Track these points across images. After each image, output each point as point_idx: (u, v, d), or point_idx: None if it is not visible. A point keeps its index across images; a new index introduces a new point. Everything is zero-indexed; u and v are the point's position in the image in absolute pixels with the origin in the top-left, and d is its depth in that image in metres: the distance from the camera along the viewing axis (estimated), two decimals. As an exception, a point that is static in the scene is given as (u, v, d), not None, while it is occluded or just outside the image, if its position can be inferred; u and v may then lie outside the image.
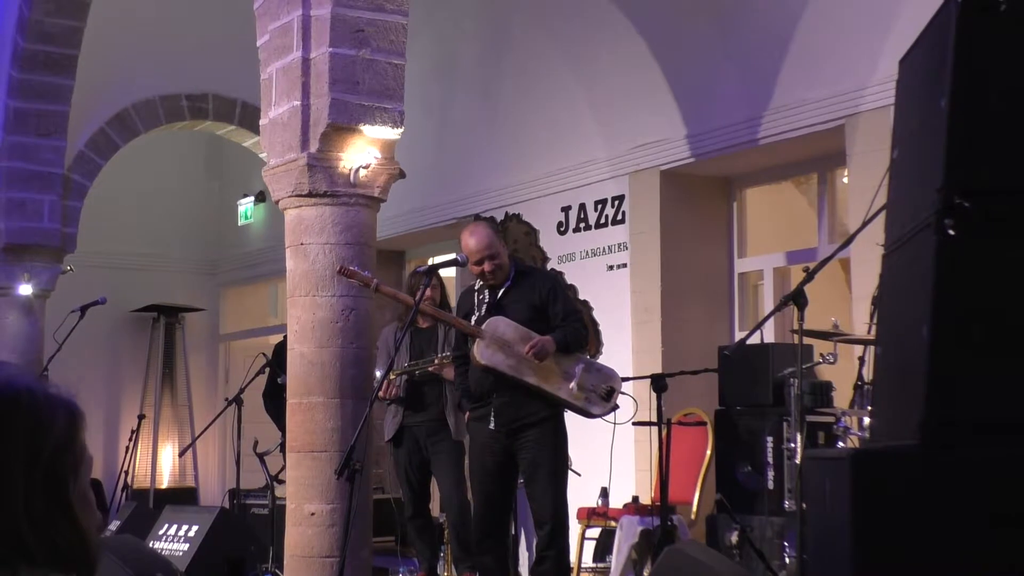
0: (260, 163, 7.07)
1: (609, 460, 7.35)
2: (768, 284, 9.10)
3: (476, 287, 6.66)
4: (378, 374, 7.30)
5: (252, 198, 14.59)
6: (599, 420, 6.70)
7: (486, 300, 6.54)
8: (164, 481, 14.57)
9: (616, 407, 6.59)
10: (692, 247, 9.18)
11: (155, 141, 13.46)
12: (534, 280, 6.68)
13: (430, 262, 10.78)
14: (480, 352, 6.28)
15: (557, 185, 9.99)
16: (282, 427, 8.49)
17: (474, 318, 6.48)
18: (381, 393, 7.81)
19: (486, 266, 6.47)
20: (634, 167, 9.31)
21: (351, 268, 6.27)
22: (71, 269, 11.31)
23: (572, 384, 6.39)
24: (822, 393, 6.95)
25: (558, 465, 6.47)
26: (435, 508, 9.28)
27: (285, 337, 8.59)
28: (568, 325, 6.48)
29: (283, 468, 7.54)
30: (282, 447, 7.78)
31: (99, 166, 12.38)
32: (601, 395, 6.49)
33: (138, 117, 12.65)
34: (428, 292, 7.40)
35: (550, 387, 6.35)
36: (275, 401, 8.67)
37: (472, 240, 6.52)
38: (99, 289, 9.74)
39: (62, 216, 11.42)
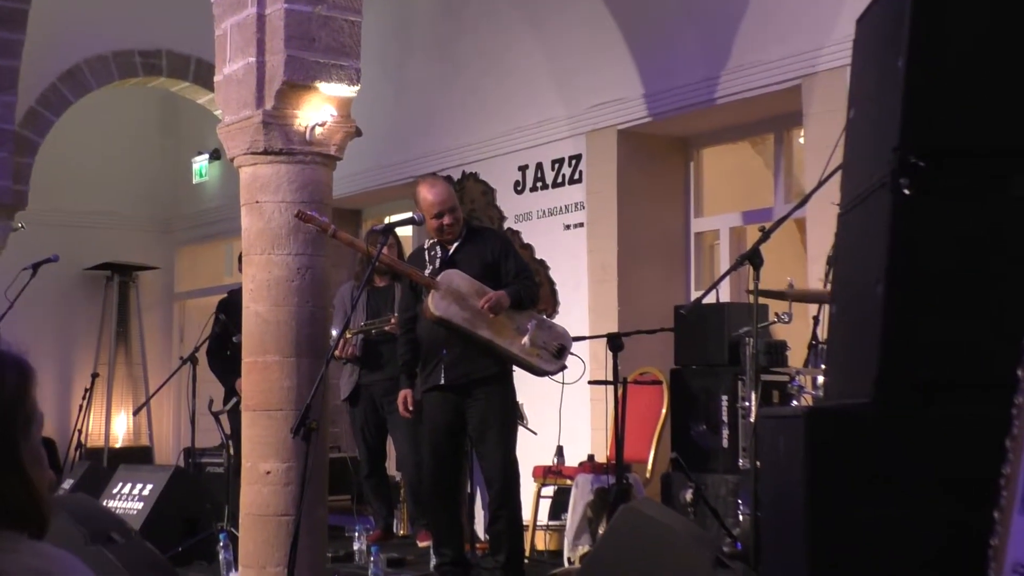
0: (215, 120, 7.00)
1: (558, 419, 7.38)
2: (724, 244, 9.13)
3: (426, 245, 6.66)
4: (334, 333, 7.29)
5: (207, 155, 14.47)
6: (552, 379, 6.72)
7: (438, 256, 6.53)
8: (118, 440, 14.49)
9: (565, 367, 6.60)
10: (649, 206, 9.19)
11: (108, 97, 13.31)
12: (485, 238, 6.69)
13: (386, 221, 10.73)
14: (435, 303, 6.27)
15: (514, 144, 9.97)
16: (227, 383, 8.49)
17: (427, 272, 6.47)
18: (337, 352, 7.80)
19: (446, 219, 6.47)
20: (591, 126, 9.30)
21: (308, 212, 6.24)
22: (22, 226, 11.19)
23: (525, 339, 6.40)
24: (777, 352, 6.99)
25: (507, 424, 6.50)
26: (391, 467, 9.31)
27: (230, 292, 8.58)
28: (521, 281, 6.49)
29: (238, 427, 7.53)
30: (236, 406, 7.77)
31: (51, 122, 12.24)
32: (552, 353, 6.50)
33: (90, 73, 12.49)
34: (385, 250, 7.40)
35: (503, 341, 6.36)
36: (218, 357, 8.63)
37: (431, 194, 6.53)
38: (51, 247, 9.64)
39: (13, 173, 11.27)
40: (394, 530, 8.71)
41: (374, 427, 8.37)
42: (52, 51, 11.96)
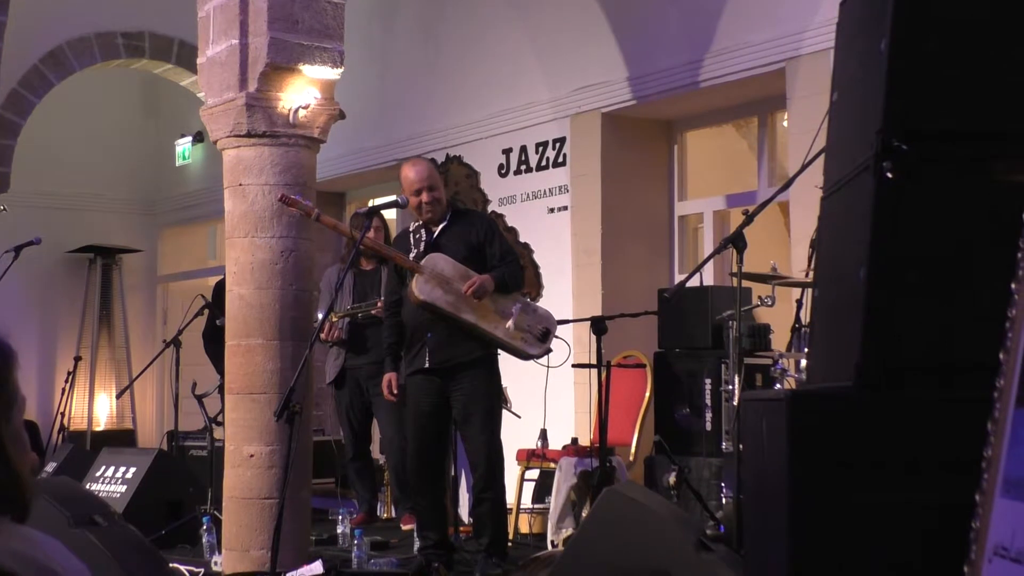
0: (198, 102, 7.00)
1: (542, 402, 7.39)
2: (708, 227, 9.13)
3: (411, 228, 6.65)
4: (320, 316, 7.29)
5: (190, 138, 14.42)
6: (537, 363, 6.72)
7: (423, 239, 6.52)
8: (101, 423, 14.47)
9: (550, 350, 6.60)
10: (633, 190, 9.19)
11: (90, 79, 13.26)
12: (471, 220, 6.68)
13: (370, 204, 10.75)
14: (419, 287, 6.26)
15: (498, 127, 9.96)
16: (220, 369, 8.48)
17: (412, 255, 6.45)
18: (323, 335, 7.81)
19: (424, 196, 6.44)
20: (575, 109, 9.29)
21: (292, 196, 6.24)
22: (4, 209, 11.12)
23: (509, 323, 6.40)
24: (760, 335, 7.01)
25: (492, 407, 6.49)
26: (375, 450, 9.31)
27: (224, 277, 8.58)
28: (506, 265, 6.49)
29: (221, 410, 7.53)
30: (220, 389, 7.76)
31: (33, 104, 12.20)
32: (537, 336, 6.50)
33: (72, 55, 12.45)
34: (371, 234, 7.41)
35: (487, 325, 6.36)
36: (214, 343, 8.63)
37: (412, 172, 6.51)
38: (34, 229, 9.62)
39: (-6, 155, 11.25)
40: (377, 513, 8.72)
41: (359, 411, 8.36)
42: (34, 33, 11.91)
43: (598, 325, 6.50)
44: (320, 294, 8.08)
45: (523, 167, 9.78)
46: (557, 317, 6.78)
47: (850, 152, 3.43)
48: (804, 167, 5.11)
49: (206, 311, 8.87)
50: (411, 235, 6.60)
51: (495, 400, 6.57)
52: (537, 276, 9.55)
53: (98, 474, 8.08)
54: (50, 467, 8.62)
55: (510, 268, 6.51)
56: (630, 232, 9.13)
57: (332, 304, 7.47)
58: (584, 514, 6.94)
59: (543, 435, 7.86)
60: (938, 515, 2.96)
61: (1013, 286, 2.70)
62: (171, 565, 6.36)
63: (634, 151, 9.23)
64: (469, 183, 10.21)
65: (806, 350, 5.72)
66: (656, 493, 6.21)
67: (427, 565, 6.39)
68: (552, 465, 7.61)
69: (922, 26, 3.16)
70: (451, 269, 6.34)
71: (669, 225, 9.36)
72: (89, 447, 11.51)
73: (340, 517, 7.66)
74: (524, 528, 8.02)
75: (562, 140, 9.43)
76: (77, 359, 11.08)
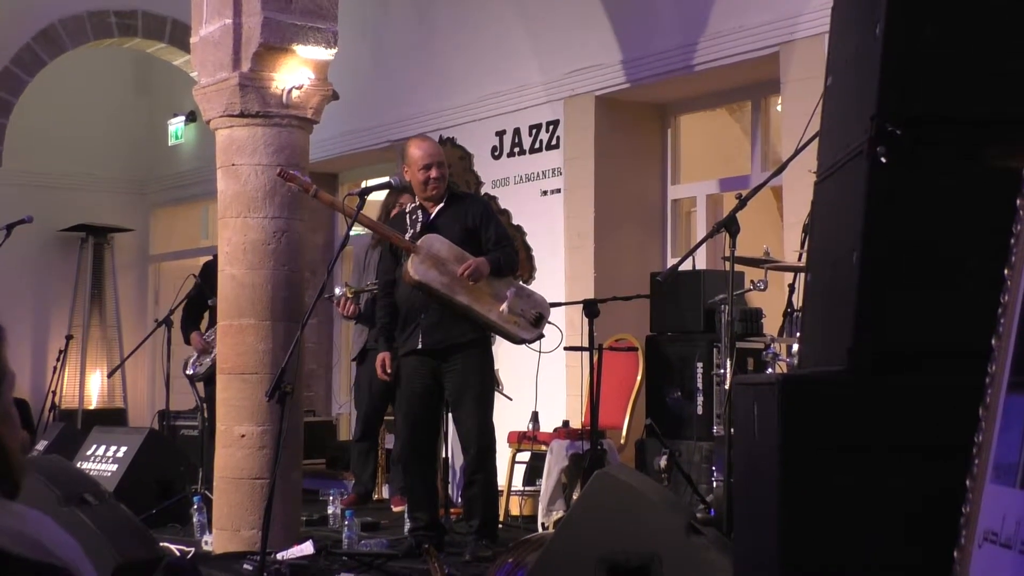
0: (191, 82, 6.97)
1: (534, 385, 7.39)
2: (701, 211, 9.13)
3: (408, 209, 6.64)
4: (337, 291, 7.38)
5: (183, 117, 14.38)
6: (529, 346, 6.72)
7: (419, 219, 6.51)
8: (92, 402, 14.45)
9: (543, 335, 6.60)
10: (626, 173, 9.18)
11: (83, 58, 13.21)
12: (467, 203, 6.67)
13: (363, 184, 10.73)
14: (414, 268, 6.26)
15: (492, 109, 9.93)
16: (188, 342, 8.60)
17: (407, 236, 6.44)
18: (340, 310, 7.89)
19: (433, 172, 6.42)
20: (569, 92, 9.27)
21: (291, 171, 6.22)
22: (-4, 188, 11.14)
23: (503, 307, 6.40)
24: (752, 320, 7.02)
25: (484, 389, 6.50)
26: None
27: (214, 256, 8.59)
28: (501, 249, 6.48)
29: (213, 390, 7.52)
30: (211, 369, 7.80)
31: (25, 83, 12.16)
32: (530, 321, 6.50)
33: (65, 33, 12.40)
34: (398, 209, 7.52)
35: (481, 308, 6.35)
36: (192, 313, 8.65)
37: (421, 148, 6.49)
38: (25, 208, 9.58)
39: (-13, 133, 11.22)
40: (372, 496, 8.72)
41: (379, 395, 8.28)
42: (26, 11, 11.87)
43: (590, 308, 6.50)
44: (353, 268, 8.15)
45: (516, 149, 9.76)
46: (549, 300, 6.79)
47: (844, 137, 3.43)
48: (797, 151, 5.11)
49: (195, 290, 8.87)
50: (407, 216, 6.59)
51: (487, 382, 6.58)
52: (529, 259, 9.54)
53: (89, 453, 8.08)
54: (41, 445, 8.62)
55: (505, 252, 6.51)
56: (623, 215, 9.12)
57: (324, 284, 7.49)
58: (575, 497, 6.95)
59: (534, 417, 7.87)
60: (929, 500, 2.96)
61: (1006, 272, 2.70)
62: (161, 544, 6.36)
63: (627, 134, 9.22)
64: (462, 165, 10.20)
65: (798, 334, 5.73)
66: (647, 476, 6.22)
67: (417, 546, 6.40)
68: (543, 448, 7.62)
69: (918, 11, 3.15)
70: (447, 250, 6.33)
71: (662, 209, 9.35)
72: (80, 426, 11.50)
73: (331, 498, 7.67)
74: (515, 510, 8.04)
75: (555, 123, 9.42)
76: (68, 338, 11.07)
